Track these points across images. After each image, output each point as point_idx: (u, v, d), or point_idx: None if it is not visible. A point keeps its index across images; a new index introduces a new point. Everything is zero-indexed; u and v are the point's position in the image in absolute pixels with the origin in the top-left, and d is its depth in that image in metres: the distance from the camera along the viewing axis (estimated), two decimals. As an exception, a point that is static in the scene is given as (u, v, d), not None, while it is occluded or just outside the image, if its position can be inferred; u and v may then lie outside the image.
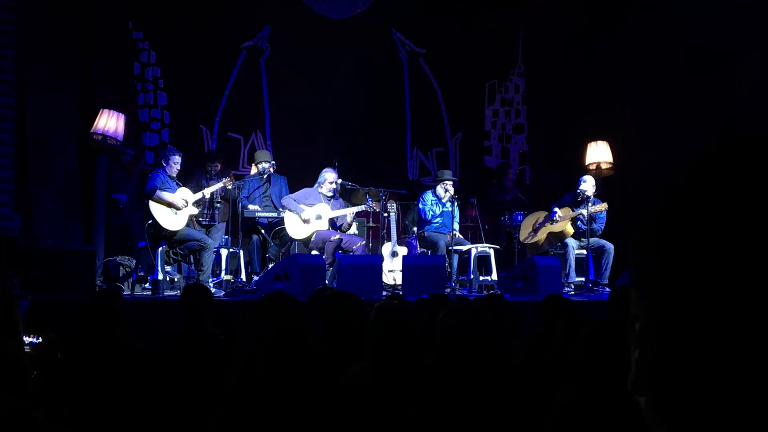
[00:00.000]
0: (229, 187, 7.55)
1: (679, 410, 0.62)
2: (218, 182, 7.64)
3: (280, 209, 7.90)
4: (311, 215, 7.73)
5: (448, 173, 8.52)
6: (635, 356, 0.66)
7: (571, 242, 8.00)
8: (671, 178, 0.66)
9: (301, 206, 7.76)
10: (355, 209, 7.90)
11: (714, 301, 0.60)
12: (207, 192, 7.55)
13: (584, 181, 8.05)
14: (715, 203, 0.61)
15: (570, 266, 7.95)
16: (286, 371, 2.07)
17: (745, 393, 0.59)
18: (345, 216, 7.86)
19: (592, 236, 7.97)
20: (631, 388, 0.66)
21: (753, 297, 0.59)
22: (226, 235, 7.88)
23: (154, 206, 7.13)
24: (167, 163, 7.37)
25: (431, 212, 8.28)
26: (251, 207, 7.93)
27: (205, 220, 7.69)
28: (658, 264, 0.63)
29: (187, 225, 7.35)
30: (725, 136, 0.64)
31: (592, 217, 7.98)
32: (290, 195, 7.95)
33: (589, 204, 7.90)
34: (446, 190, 8.24)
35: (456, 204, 8.29)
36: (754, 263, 0.59)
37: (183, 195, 7.32)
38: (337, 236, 7.66)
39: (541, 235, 8.16)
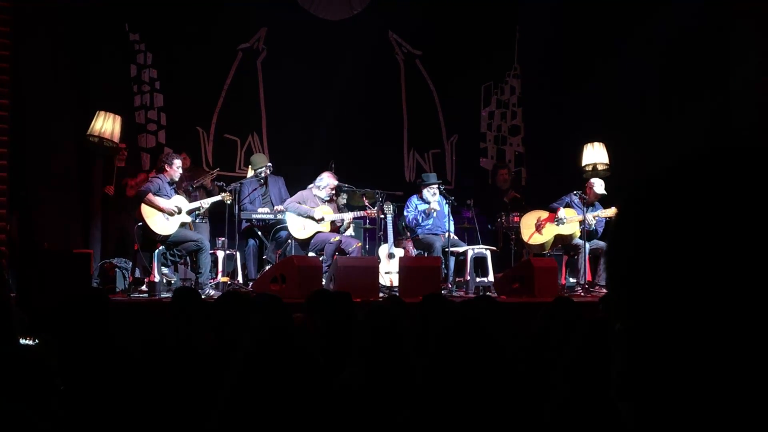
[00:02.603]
0: (228, 202, 7.53)
1: (655, 416, 0.61)
2: (217, 195, 7.65)
3: (283, 213, 7.87)
4: (323, 215, 7.76)
5: (432, 176, 8.46)
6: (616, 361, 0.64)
7: (582, 243, 7.96)
8: (639, 187, 0.65)
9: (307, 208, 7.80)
10: (353, 214, 7.91)
11: (685, 305, 0.58)
12: (205, 203, 7.57)
13: (596, 183, 8.09)
14: (686, 210, 0.60)
15: (583, 267, 7.91)
16: (280, 372, 2.07)
17: (718, 397, 0.58)
18: (342, 219, 7.87)
19: (591, 239, 7.98)
20: (612, 393, 0.64)
21: (725, 300, 0.57)
22: (222, 237, 7.88)
23: (145, 209, 7.14)
24: (170, 167, 7.38)
25: (421, 217, 8.21)
26: (260, 210, 7.96)
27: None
28: (627, 267, 0.62)
29: (182, 227, 7.34)
30: (704, 148, 0.63)
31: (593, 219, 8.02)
32: (291, 198, 7.96)
33: (590, 207, 7.95)
34: (434, 194, 8.21)
35: (449, 205, 8.25)
36: (725, 268, 0.57)
37: (177, 203, 7.32)
38: (337, 238, 7.67)
39: (548, 237, 8.12)
